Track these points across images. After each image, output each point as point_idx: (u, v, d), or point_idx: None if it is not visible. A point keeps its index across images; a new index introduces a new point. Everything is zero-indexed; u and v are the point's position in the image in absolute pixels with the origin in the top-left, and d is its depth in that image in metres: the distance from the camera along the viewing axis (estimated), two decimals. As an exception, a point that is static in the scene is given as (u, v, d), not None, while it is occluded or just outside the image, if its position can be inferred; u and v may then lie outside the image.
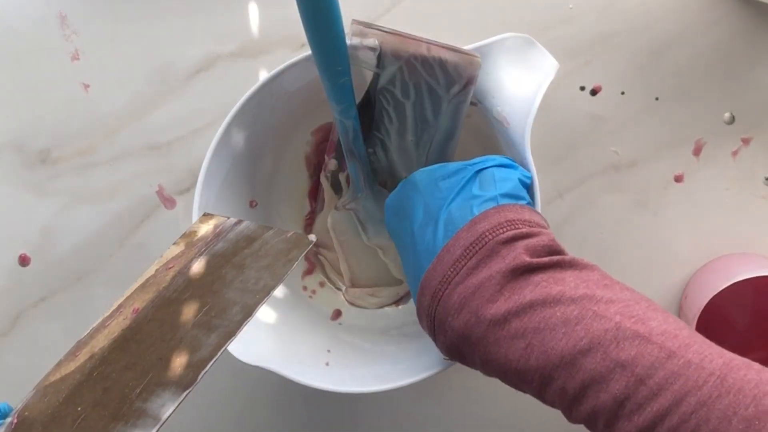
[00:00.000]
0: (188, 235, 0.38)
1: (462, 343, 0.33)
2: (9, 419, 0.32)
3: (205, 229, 0.38)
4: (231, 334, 0.30)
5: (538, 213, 0.36)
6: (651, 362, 0.29)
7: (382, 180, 0.47)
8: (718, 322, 0.50)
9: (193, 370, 0.29)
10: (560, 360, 0.30)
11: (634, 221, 0.51)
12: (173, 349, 0.31)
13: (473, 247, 0.33)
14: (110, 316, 0.35)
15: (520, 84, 0.41)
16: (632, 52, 0.51)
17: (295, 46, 0.51)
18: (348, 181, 0.47)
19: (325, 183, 0.48)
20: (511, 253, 0.32)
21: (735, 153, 0.51)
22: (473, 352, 0.33)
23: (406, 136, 0.44)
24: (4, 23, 0.52)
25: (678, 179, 0.51)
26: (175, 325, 0.32)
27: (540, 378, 0.31)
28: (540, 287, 0.31)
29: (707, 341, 0.30)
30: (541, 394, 0.32)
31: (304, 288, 0.50)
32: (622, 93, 0.51)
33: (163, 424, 0.28)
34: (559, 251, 0.34)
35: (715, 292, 0.44)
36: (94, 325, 0.35)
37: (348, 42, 0.39)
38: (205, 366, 0.29)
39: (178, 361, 0.30)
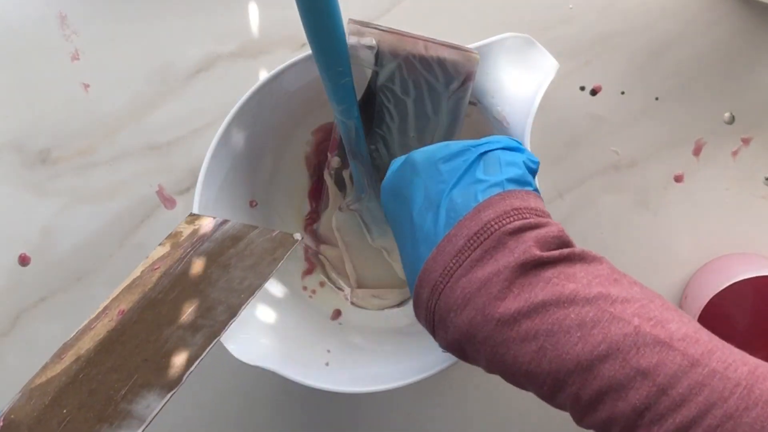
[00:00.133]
0: (174, 236, 0.38)
1: (465, 340, 0.31)
2: None
3: (191, 229, 0.38)
4: (216, 334, 0.30)
5: (542, 200, 0.34)
6: (674, 371, 0.27)
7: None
8: (718, 322, 0.50)
9: (178, 371, 0.29)
10: (576, 365, 0.28)
11: (634, 221, 0.51)
12: (158, 350, 0.31)
13: (477, 237, 0.30)
14: (96, 318, 0.35)
15: (520, 84, 0.41)
16: (632, 52, 0.51)
17: (295, 46, 0.51)
18: (352, 179, 0.47)
19: (329, 180, 0.48)
20: (520, 246, 0.30)
21: (735, 153, 0.51)
22: (477, 350, 0.31)
23: (407, 132, 0.44)
24: (4, 23, 0.52)
25: (678, 179, 0.51)
26: (160, 326, 0.32)
27: (552, 382, 0.29)
28: (552, 285, 0.29)
29: (728, 345, 0.28)
30: (550, 398, 0.30)
31: (304, 288, 0.50)
32: (622, 93, 0.51)
33: (147, 425, 0.28)
34: (568, 242, 0.31)
35: (715, 292, 0.44)
36: (80, 327, 0.35)
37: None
38: (190, 367, 0.29)
39: (163, 362, 0.30)
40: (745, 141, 0.51)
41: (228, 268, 0.34)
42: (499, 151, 0.33)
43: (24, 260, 0.51)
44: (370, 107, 0.44)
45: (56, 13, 0.52)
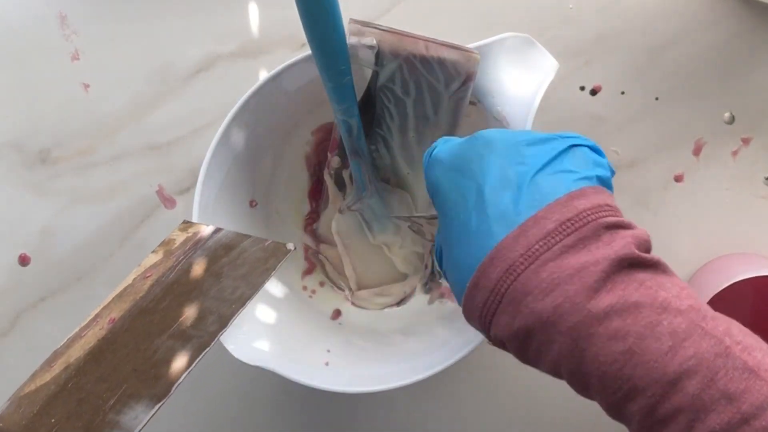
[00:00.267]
0: (167, 243, 0.38)
1: (540, 328, 0.28)
2: None
3: (184, 236, 0.38)
4: (206, 345, 0.30)
5: None
6: (760, 402, 0.26)
7: (385, 177, 0.47)
8: (718, 322, 0.50)
9: (167, 382, 0.29)
10: (661, 375, 0.26)
11: (634, 221, 0.51)
12: (148, 360, 0.31)
13: (571, 224, 0.28)
14: (87, 326, 0.35)
15: (520, 84, 0.41)
16: (632, 52, 0.51)
17: (295, 46, 0.51)
18: (351, 179, 0.47)
19: (328, 180, 0.48)
20: (618, 241, 0.28)
21: (735, 153, 0.51)
22: (552, 341, 0.28)
23: (407, 132, 0.44)
24: (4, 23, 0.52)
25: (678, 179, 0.51)
26: (150, 335, 0.32)
27: (629, 389, 0.27)
28: (645, 287, 0.28)
29: None
30: (618, 407, 0.28)
31: (304, 288, 0.50)
32: (622, 93, 0.51)
33: None
34: (651, 249, 0.30)
35: (715, 292, 0.44)
36: (71, 335, 0.35)
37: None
38: (179, 378, 0.29)
39: (153, 373, 0.30)
40: (745, 141, 0.51)
41: (220, 278, 0.34)
42: (586, 148, 0.32)
43: (24, 260, 0.51)
44: (370, 107, 0.44)
45: (56, 13, 0.52)
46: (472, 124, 0.45)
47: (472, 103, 0.43)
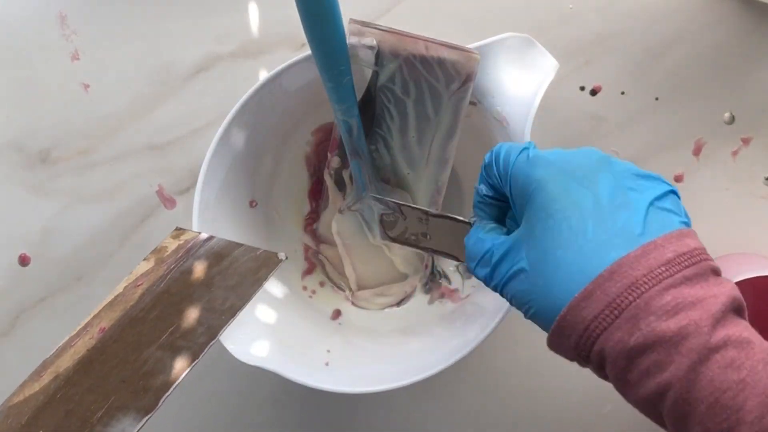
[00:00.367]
0: (159, 251, 0.38)
1: (659, 347, 0.29)
2: None
3: (176, 244, 0.38)
4: (195, 357, 0.30)
5: None
6: None
7: (385, 177, 0.47)
8: (718, 322, 0.50)
9: (155, 394, 0.29)
10: None
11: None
12: (137, 372, 0.31)
13: (687, 259, 0.30)
14: (77, 335, 0.34)
15: (520, 84, 0.41)
16: (632, 52, 0.51)
17: (295, 46, 0.51)
18: (351, 179, 0.47)
19: (328, 180, 0.48)
20: (727, 284, 0.31)
21: (735, 153, 0.51)
22: (670, 361, 0.29)
23: (407, 133, 0.44)
24: (4, 23, 0.52)
25: (678, 179, 0.51)
26: (140, 345, 0.32)
27: (737, 419, 0.28)
28: (750, 330, 0.30)
29: None
30: None
31: (304, 288, 0.50)
32: (622, 93, 0.51)
33: None
34: None
35: (715, 292, 0.44)
36: (61, 344, 0.35)
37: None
38: (167, 390, 0.29)
39: (141, 385, 0.30)
40: (745, 141, 0.51)
41: (211, 287, 0.34)
42: (677, 197, 0.34)
43: (24, 260, 0.51)
44: (370, 107, 0.44)
45: (56, 13, 0.52)
46: (473, 124, 0.45)
47: (472, 103, 0.43)
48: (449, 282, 0.49)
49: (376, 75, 0.42)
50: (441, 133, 0.44)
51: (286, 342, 0.44)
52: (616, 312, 0.30)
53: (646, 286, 0.30)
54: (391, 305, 0.50)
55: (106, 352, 0.33)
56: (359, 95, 0.43)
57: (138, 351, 0.32)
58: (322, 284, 0.50)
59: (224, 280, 0.34)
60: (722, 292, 0.30)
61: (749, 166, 0.51)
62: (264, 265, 0.34)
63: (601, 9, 0.51)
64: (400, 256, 0.49)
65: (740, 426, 0.28)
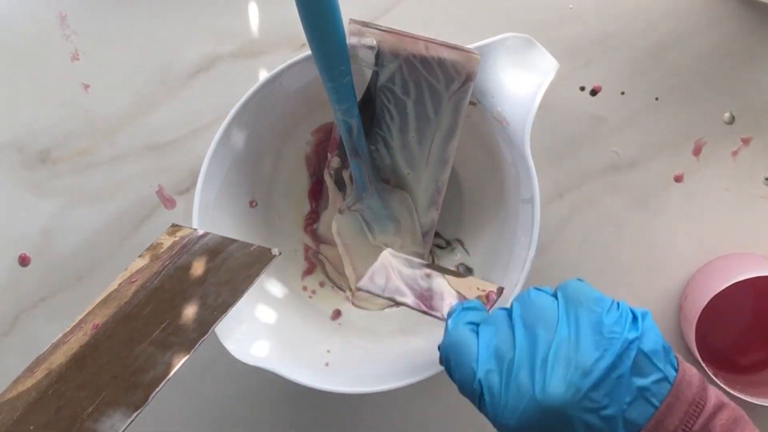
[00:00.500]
0: (154, 248, 0.38)
1: None
2: None
3: (171, 241, 0.38)
4: (185, 353, 0.30)
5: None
6: None
7: (385, 177, 0.47)
8: (718, 322, 0.50)
9: (145, 390, 0.29)
10: None
11: (634, 221, 0.51)
12: (128, 368, 0.31)
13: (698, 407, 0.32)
14: (71, 332, 0.34)
15: (520, 84, 0.41)
16: (632, 52, 0.51)
17: (295, 46, 0.51)
18: (351, 179, 0.47)
19: (328, 180, 0.48)
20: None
21: (735, 153, 0.51)
22: None
23: (407, 133, 0.44)
24: (4, 23, 0.52)
25: (678, 179, 0.51)
26: (132, 342, 0.32)
27: None
28: None
29: None
30: None
31: (304, 288, 0.50)
32: (622, 93, 0.51)
33: None
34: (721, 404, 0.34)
35: (715, 292, 0.44)
36: (54, 340, 0.35)
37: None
38: (157, 386, 0.29)
39: (132, 380, 0.30)
40: (745, 141, 0.51)
41: (204, 283, 0.34)
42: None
43: (24, 260, 0.51)
44: (370, 107, 0.44)
45: (56, 13, 0.52)
46: (473, 124, 0.45)
47: (472, 103, 0.43)
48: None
49: (376, 75, 0.42)
50: (441, 134, 0.44)
51: (286, 342, 0.44)
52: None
53: (691, 423, 0.31)
54: (392, 305, 0.50)
55: (98, 349, 0.33)
56: (359, 95, 0.43)
57: (130, 347, 0.32)
58: (322, 284, 0.50)
59: (218, 276, 0.34)
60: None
61: (749, 166, 0.51)
62: (258, 261, 0.34)
63: (601, 9, 0.51)
64: (400, 256, 0.49)
65: None
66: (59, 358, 0.33)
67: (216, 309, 0.32)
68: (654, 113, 0.51)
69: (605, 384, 0.30)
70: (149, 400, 0.29)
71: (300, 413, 0.52)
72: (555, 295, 0.33)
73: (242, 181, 0.46)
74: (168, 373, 0.30)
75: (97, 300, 0.36)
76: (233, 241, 0.36)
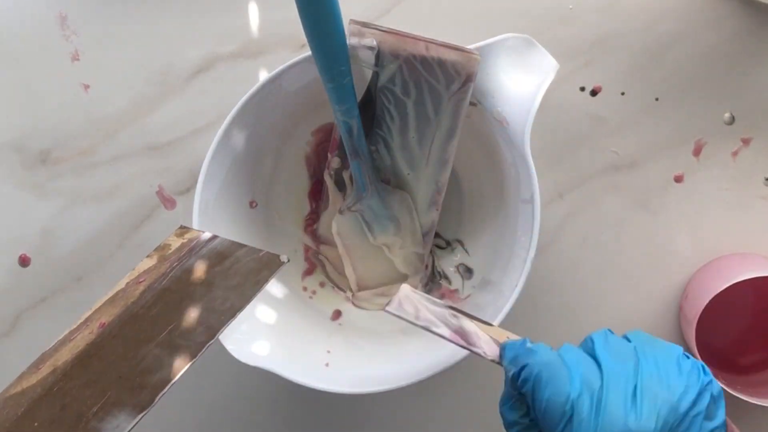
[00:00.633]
0: (162, 248, 0.38)
1: None
2: None
3: (180, 242, 0.38)
4: (192, 356, 0.30)
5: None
6: None
7: (386, 178, 0.47)
8: (718, 322, 0.50)
9: (151, 392, 0.29)
10: None
11: (634, 221, 0.51)
12: (134, 368, 0.31)
13: None
14: (77, 329, 0.34)
15: (520, 84, 0.41)
16: (632, 52, 0.51)
17: (295, 47, 0.51)
18: (351, 180, 0.47)
19: (328, 181, 0.48)
20: None
21: (735, 153, 0.51)
22: None
23: (408, 133, 0.44)
24: (4, 23, 0.52)
25: (678, 179, 0.51)
26: (138, 342, 0.32)
27: None
28: None
29: None
30: None
31: (304, 288, 0.50)
32: (622, 93, 0.51)
33: None
34: None
35: (716, 292, 0.44)
36: (60, 337, 0.34)
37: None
38: (163, 389, 0.29)
39: (137, 381, 0.30)
40: (745, 141, 0.51)
41: (212, 287, 0.34)
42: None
43: (24, 261, 0.51)
44: (371, 108, 0.44)
45: (56, 14, 0.52)
46: (473, 124, 0.45)
47: (472, 103, 0.43)
48: (449, 283, 0.49)
49: (376, 75, 0.42)
50: (441, 134, 0.44)
51: (286, 342, 0.44)
52: None
53: None
54: (392, 305, 0.50)
55: (104, 348, 0.33)
56: (359, 96, 0.43)
57: (136, 348, 0.32)
58: (322, 285, 0.50)
59: (225, 280, 0.34)
60: None
61: (749, 166, 0.51)
62: (266, 267, 0.34)
63: (601, 9, 0.51)
64: (401, 256, 0.49)
65: None
66: (65, 356, 0.33)
67: (223, 313, 0.32)
68: (654, 113, 0.51)
69: (686, 420, 0.32)
70: (155, 402, 0.29)
71: (300, 413, 0.52)
72: (626, 338, 0.36)
73: (242, 181, 0.46)
74: (174, 375, 0.30)
75: (104, 298, 0.36)
76: (241, 245, 0.36)
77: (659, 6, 0.51)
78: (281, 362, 0.41)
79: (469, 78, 0.41)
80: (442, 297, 0.49)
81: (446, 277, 0.50)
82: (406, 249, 0.49)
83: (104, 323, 0.34)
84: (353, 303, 0.50)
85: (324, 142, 0.49)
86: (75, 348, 0.33)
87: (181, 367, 0.30)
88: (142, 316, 0.33)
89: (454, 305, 0.39)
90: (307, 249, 0.50)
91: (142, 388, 0.30)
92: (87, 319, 0.35)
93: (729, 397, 0.46)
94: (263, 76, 0.44)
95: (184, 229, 0.39)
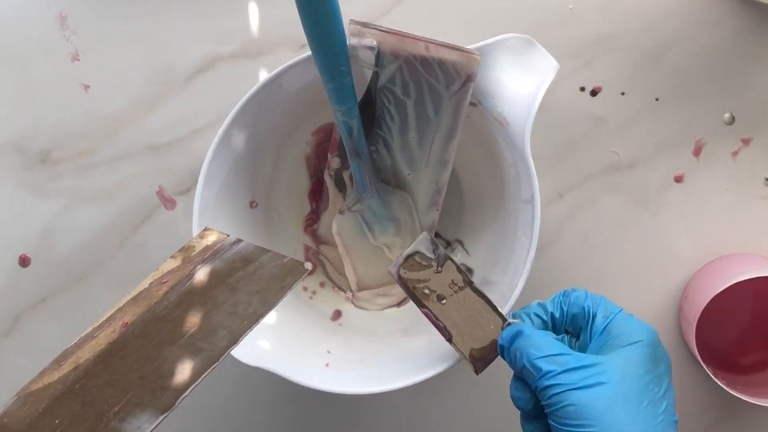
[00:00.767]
0: (186, 250, 0.38)
1: None
2: None
3: (204, 245, 0.38)
4: (214, 360, 0.30)
5: None
6: None
7: (386, 178, 0.47)
8: (718, 322, 0.50)
9: (172, 394, 0.29)
10: None
11: (634, 221, 0.51)
12: (156, 370, 0.31)
13: None
14: (99, 327, 0.34)
15: (520, 84, 0.41)
16: (632, 52, 0.51)
17: (295, 47, 0.51)
18: (351, 180, 0.47)
19: (329, 181, 0.48)
20: None
21: (735, 153, 0.51)
22: None
23: (408, 133, 0.44)
24: (4, 23, 0.52)
25: (678, 179, 0.51)
26: (161, 343, 0.32)
27: None
28: None
29: None
30: None
31: (305, 288, 0.50)
32: (622, 93, 0.51)
33: None
34: None
35: (715, 293, 0.44)
36: (83, 334, 0.34)
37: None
38: (185, 391, 0.29)
39: (159, 383, 0.30)
40: (745, 141, 0.51)
41: (235, 291, 0.34)
42: None
43: (24, 261, 0.51)
44: (371, 108, 0.44)
45: (56, 14, 0.52)
46: (473, 125, 0.45)
47: (472, 104, 0.43)
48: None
49: (376, 76, 0.42)
50: (441, 134, 0.44)
51: (287, 342, 0.44)
52: None
53: None
54: (392, 306, 0.50)
55: (127, 347, 0.32)
56: (359, 96, 0.43)
57: (159, 348, 0.32)
58: (322, 285, 0.50)
59: (249, 284, 0.34)
60: None
61: (749, 166, 0.51)
62: (290, 274, 0.34)
63: (601, 9, 0.51)
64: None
65: None
66: (87, 354, 0.33)
67: (246, 318, 0.32)
68: (654, 113, 0.51)
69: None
70: (176, 404, 0.29)
71: (300, 413, 0.52)
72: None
73: (242, 181, 0.46)
74: (196, 378, 0.30)
75: (128, 297, 0.36)
76: (266, 250, 0.36)
77: (659, 6, 0.51)
78: (281, 362, 0.41)
79: (469, 78, 0.41)
80: (442, 297, 0.49)
81: None
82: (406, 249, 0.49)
83: (127, 322, 0.34)
84: (353, 303, 0.50)
85: (324, 142, 0.49)
86: (97, 346, 0.33)
87: (204, 370, 0.30)
88: (165, 317, 0.33)
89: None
90: (307, 249, 0.50)
91: (163, 390, 0.30)
92: (110, 318, 0.35)
93: (729, 397, 0.46)
94: (263, 76, 0.44)
95: (208, 231, 0.39)
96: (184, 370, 0.30)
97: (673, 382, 0.35)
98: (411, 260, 0.40)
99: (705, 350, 0.49)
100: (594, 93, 0.51)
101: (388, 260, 0.49)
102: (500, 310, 0.39)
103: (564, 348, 0.36)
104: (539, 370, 0.35)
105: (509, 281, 0.42)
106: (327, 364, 0.44)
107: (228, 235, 0.38)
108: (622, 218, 0.51)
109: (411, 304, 0.49)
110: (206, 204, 0.43)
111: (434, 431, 0.52)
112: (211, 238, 0.38)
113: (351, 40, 0.40)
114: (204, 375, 0.30)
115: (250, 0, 0.52)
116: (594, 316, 0.37)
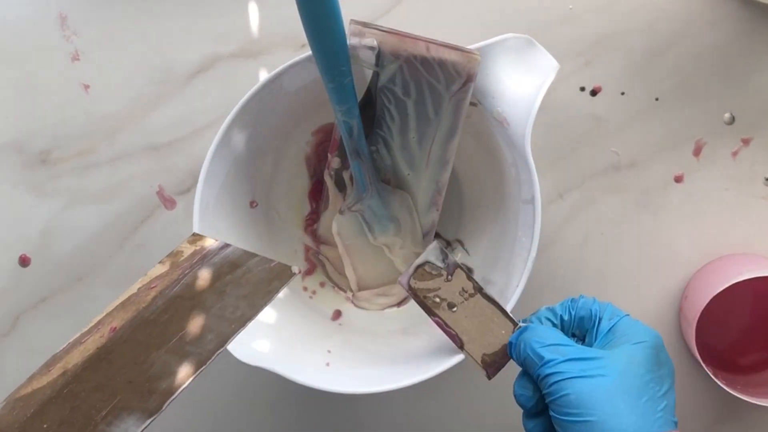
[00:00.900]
0: (174, 255, 0.38)
1: None
2: None
3: (192, 249, 0.38)
4: (202, 364, 0.31)
5: None
6: None
7: (386, 178, 0.47)
8: (718, 322, 0.50)
9: (160, 397, 0.30)
10: None
11: (634, 221, 0.51)
12: (143, 374, 0.31)
13: None
14: (88, 332, 0.35)
15: (520, 84, 0.41)
16: (632, 52, 0.51)
17: (295, 46, 0.51)
18: (352, 180, 0.47)
19: (329, 181, 0.48)
20: None
21: (735, 153, 0.51)
22: None
23: (408, 133, 0.44)
24: (4, 23, 0.52)
25: (678, 179, 0.51)
26: (149, 348, 0.32)
27: None
28: None
29: None
30: None
31: (305, 288, 0.50)
32: (622, 93, 0.51)
33: None
34: None
35: (715, 293, 0.44)
36: (71, 340, 0.35)
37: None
38: (172, 395, 0.30)
39: (147, 387, 0.30)
40: (745, 141, 0.51)
41: (223, 295, 0.34)
42: None
43: (24, 261, 0.51)
44: (371, 108, 0.44)
45: (56, 14, 0.52)
46: (473, 125, 0.45)
47: (472, 103, 0.43)
48: (449, 282, 0.49)
49: (376, 76, 0.42)
50: (441, 134, 0.44)
51: (286, 342, 0.44)
52: None
53: None
54: (392, 306, 0.50)
55: (115, 352, 0.33)
56: (360, 96, 0.43)
57: (147, 353, 0.32)
58: (322, 285, 0.50)
59: (237, 289, 0.34)
60: None
61: (749, 166, 0.51)
62: (277, 278, 0.34)
63: (601, 9, 0.51)
64: (401, 256, 0.49)
65: None
66: (75, 358, 0.33)
67: (234, 322, 0.32)
68: (654, 113, 0.51)
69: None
70: (164, 408, 0.29)
71: (300, 413, 0.52)
72: None
73: (242, 181, 0.46)
74: (183, 382, 0.30)
75: (116, 303, 0.36)
76: (253, 255, 0.36)
77: (659, 6, 0.51)
78: (281, 362, 0.41)
79: (469, 78, 0.41)
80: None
81: None
82: (406, 249, 0.49)
83: (115, 327, 0.34)
84: (353, 303, 0.50)
85: (324, 142, 0.49)
86: (85, 351, 0.33)
87: (191, 374, 0.30)
88: (153, 322, 0.34)
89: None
90: (307, 249, 0.50)
91: (151, 394, 0.30)
92: (98, 323, 0.35)
93: (729, 397, 0.46)
94: (263, 76, 0.44)
95: (197, 237, 0.39)
96: (171, 374, 0.30)
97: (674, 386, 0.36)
98: (421, 270, 0.40)
99: (705, 350, 0.49)
100: (594, 93, 0.51)
101: (388, 260, 0.49)
102: (512, 316, 0.39)
103: (568, 340, 0.36)
104: (541, 358, 0.35)
105: (510, 281, 0.42)
106: (327, 364, 0.44)
107: (216, 240, 0.38)
108: (622, 218, 0.51)
109: (411, 304, 0.49)
110: (206, 204, 0.43)
111: (434, 431, 0.52)
112: (199, 243, 0.38)
113: (351, 40, 0.40)
114: (191, 378, 0.30)
115: (250, 0, 0.52)
116: (600, 319, 0.38)
